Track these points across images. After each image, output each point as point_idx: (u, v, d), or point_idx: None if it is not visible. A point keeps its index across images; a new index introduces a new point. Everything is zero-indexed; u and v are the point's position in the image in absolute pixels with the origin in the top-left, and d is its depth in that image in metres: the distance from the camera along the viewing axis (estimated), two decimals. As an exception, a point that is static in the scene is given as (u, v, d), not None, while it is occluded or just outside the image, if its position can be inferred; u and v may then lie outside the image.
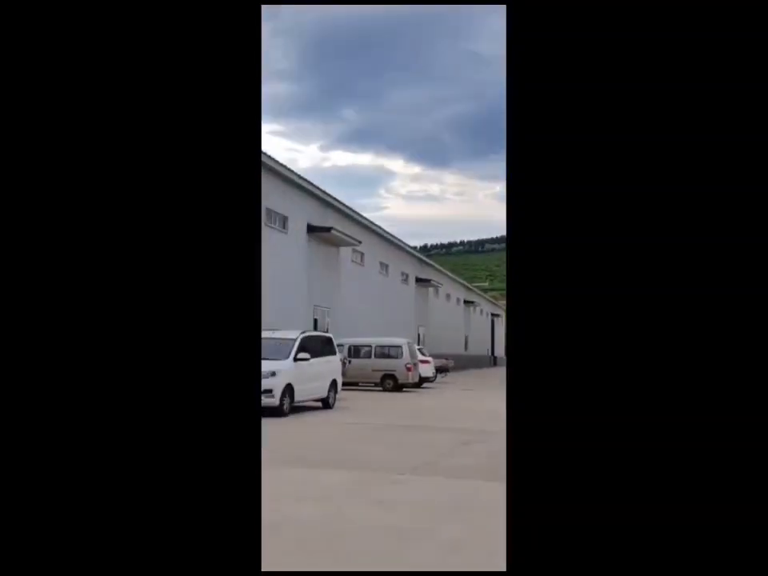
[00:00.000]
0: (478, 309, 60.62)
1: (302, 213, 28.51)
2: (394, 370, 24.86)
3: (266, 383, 15.42)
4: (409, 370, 24.84)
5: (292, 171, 27.41)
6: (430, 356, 29.16)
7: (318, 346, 17.94)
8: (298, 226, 28.15)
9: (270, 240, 25.94)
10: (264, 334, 17.58)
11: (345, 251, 32.42)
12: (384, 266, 38.66)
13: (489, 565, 4.53)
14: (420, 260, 46.88)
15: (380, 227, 36.93)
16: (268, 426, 13.60)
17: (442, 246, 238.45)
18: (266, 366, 15.77)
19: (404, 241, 42.37)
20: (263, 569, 3.99)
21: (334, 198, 30.77)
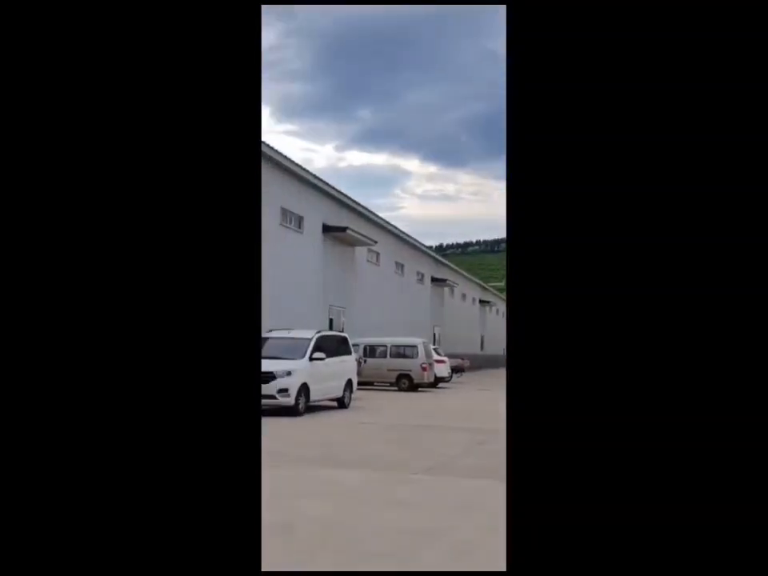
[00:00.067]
0: (493, 308, 60.46)
1: (317, 213, 28.56)
2: (410, 370, 24.85)
3: (281, 383, 15.48)
4: (424, 369, 24.83)
5: (307, 171, 27.46)
6: (445, 356, 29.13)
7: (333, 346, 17.98)
8: (313, 226, 28.20)
9: (286, 240, 26.00)
10: (279, 334, 17.66)
11: (360, 251, 32.45)
12: (399, 266, 38.65)
13: (502, 565, 4.52)
14: (435, 260, 46.83)
15: (395, 227, 36.92)
16: (283, 425, 13.66)
17: (458, 245, 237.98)
18: (282, 365, 15.84)
19: (419, 240, 42.33)
20: (276, 568, 4.00)
21: (350, 198, 30.80)
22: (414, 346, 25.36)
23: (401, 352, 25.07)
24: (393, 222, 37.08)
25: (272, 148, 24.72)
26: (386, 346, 25.48)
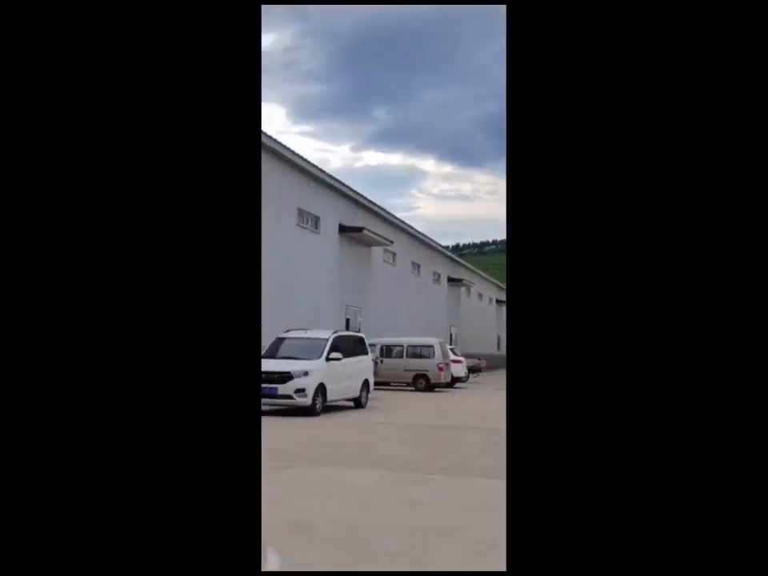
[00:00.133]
0: (511, 308, 60.07)
1: (333, 213, 28.61)
2: (426, 370, 24.84)
3: (298, 383, 15.55)
4: (441, 369, 24.81)
5: (324, 172, 27.52)
6: (462, 356, 29.08)
7: (350, 346, 18.02)
8: (329, 227, 28.26)
9: (302, 240, 26.08)
10: (296, 334, 17.73)
11: (377, 251, 32.48)
12: (416, 266, 38.64)
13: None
14: (452, 259, 46.78)
15: (412, 227, 36.93)
16: (300, 425, 13.70)
17: (474, 245, 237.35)
18: (299, 365, 15.91)
19: (436, 240, 42.30)
20: (294, 567, 4.02)
21: (366, 198, 30.83)
22: (431, 346, 25.34)
23: (417, 352, 25.06)
24: (409, 222, 37.10)
25: (288, 149, 24.79)
26: (402, 346, 25.48)
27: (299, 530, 5.55)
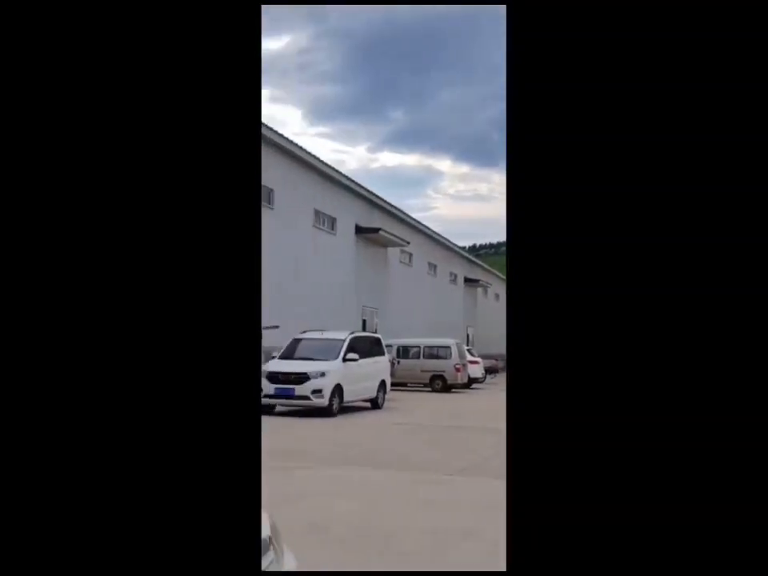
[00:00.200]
0: (529, 308, 59.93)
1: (350, 214, 28.65)
2: (443, 371, 24.80)
3: (315, 383, 15.61)
4: (458, 370, 24.77)
5: (340, 173, 27.57)
6: (479, 356, 29.02)
7: (366, 347, 18.05)
8: (346, 228, 28.29)
9: (319, 241, 26.13)
10: (313, 335, 17.79)
11: (393, 252, 32.50)
12: (432, 267, 38.60)
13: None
14: (469, 260, 46.70)
15: (428, 227, 36.91)
16: (317, 425, 13.73)
17: (491, 245, 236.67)
18: (316, 366, 15.97)
19: (452, 241, 42.24)
20: (311, 567, 4.03)
21: (382, 199, 30.85)
22: (448, 347, 25.30)
23: (434, 353, 25.03)
24: (425, 223, 37.09)
25: (305, 150, 24.85)
26: (419, 346, 25.46)
27: (316, 529, 5.57)
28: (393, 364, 22.34)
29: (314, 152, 25.26)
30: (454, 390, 24.89)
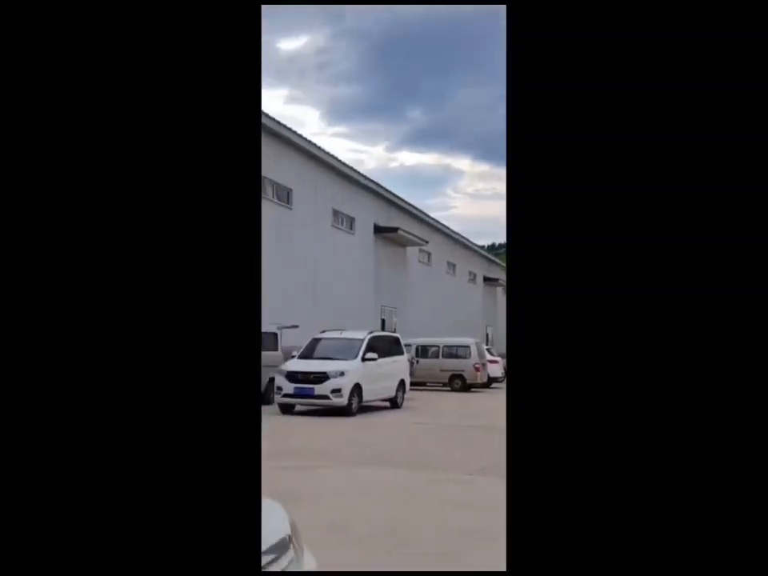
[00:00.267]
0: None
1: (368, 214, 28.66)
2: (462, 370, 24.75)
3: (334, 383, 15.66)
4: (477, 370, 24.72)
5: (358, 173, 27.60)
6: (498, 356, 28.91)
7: (385, 346, 18.08)
8: (364, 227, 28.32)
9: (338, 241, 26.18)
10: (332, 335, 17.84)
11: (412, 251, 32.48)
12: (451, 266, 38.54)
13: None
14: (488, 259, 46.58)
15: (447, 227, 36.86)
16: (337, 425, 13.77)
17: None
18: (335, 365, 16.02)
19: (471, 240, 42.13)
20: (331, 567, 4.05)
21: (401, 199, 30.85)
22: (467, 346, 25.25)
23: (453, 352, 24.97)
24: (444, 222, 37.07)
25: (323, 150, 24.90)
26: (438, 346, 25.42)
27: (336, 529, 5.59)
28: (412, 363, 22.33)
29: (332, 152, 25.32)
30: (473, 389, 24.84)
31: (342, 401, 15.64)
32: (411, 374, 20.33)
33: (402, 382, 18.20)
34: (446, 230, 36.75)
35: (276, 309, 21.97)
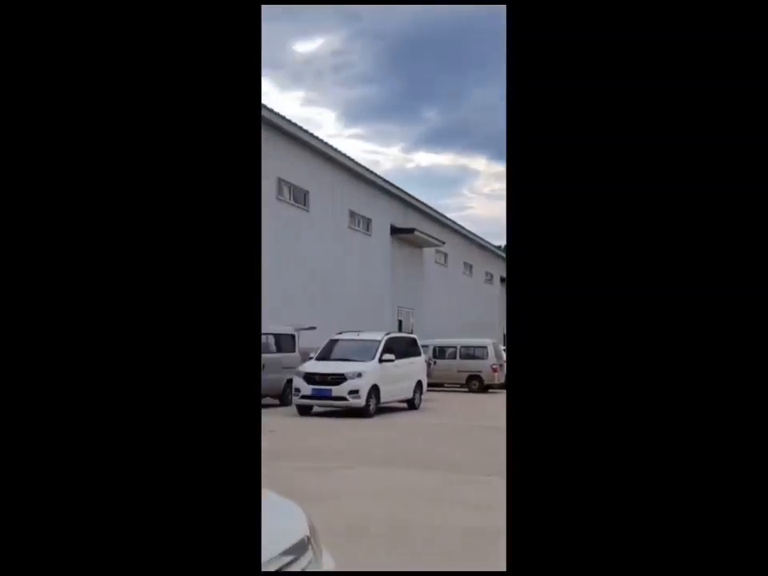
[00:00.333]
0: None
1: (385, 215, 28.68)
2: (480, 371, 24.69)
3: (352, 384, 15.68)
4: (495, 370, 24.64)
5: (374, 174, 27.62)
6: (516, 356, 28.69)
7: (402, 347, 18.07)
8: (381, 228, 28.33)
9: (354, 242, 26.22)
10: (349, 336, 17.87)
11: (428, 252, 32.46)
12: (468, 266, 38.48)
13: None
14: (504, 259, 46.32)
15: (463, 227, 36.82)
16: (354, 426, 13.78)
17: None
18: (352, 367, 16.04)
19: (488, 240, 42.03)
20: (350, 568, 4.06)
21: (417, 199, 30.83)
22: (484, 347, 25.18)
23: (470, 353, 24.92)
24: (461, 222, 37.02)
25: (339, 152, 24.95)
26: (455, 347, 25.37)
27: (355, 530, 5.60)
28: (429, 364, 22.31)
29: (348, 153, 25.36)
30: (491, 390, 24.76)
31: (360, 402, 15.66)
32: (428, 375, 20.32)
33: (419, 383, 18.19)
34: (463, 231, 36.70)
35: (293, 310, 21.99)
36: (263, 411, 16.67)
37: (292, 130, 22.40)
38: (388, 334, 18.04)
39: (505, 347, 30.34)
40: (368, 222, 27.67)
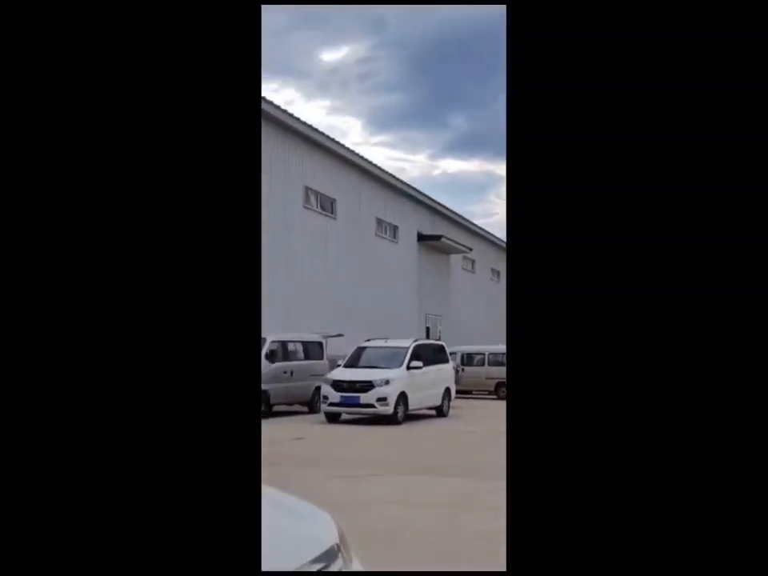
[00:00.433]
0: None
1: (411, 222, 28.69)
2: (509, 378, 24.48)
3: (380, 391, 15.69)
4: (523, 376, 24.42)
5: (401, 181, 27.65)
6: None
7: (430, 354, 18.04)
8: (408, 235, 28.35)
9: (381, 250, 26.25)
10: (377, 343, 17.88)
11: (455, 259, 32.40)
12: (495, 273, 38.35)
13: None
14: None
15: (490, 233, 36.72)
16: (383, 433, 13.78)
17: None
18: (380, 374, 16.05)
19: (517, 246, 41.57)
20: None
21: (444, 206, 30.81)
22: (513, 354, 24.96)
23: (499, 360, 24.77)
24: (488, 229, 36.91)
25: (366, 159, 25.03)
26: (483, 354, 25.26)
27: (386, 536, 5.61)
28: (457, 371, 22.23)
29: (374, 161, 25.43)
30: (520, 396, 24.58)
31: (388, 409, 15.66)
32: (456, 382, 20.25)
33: (447, 390, 18.13)
34: (490, 237, 36.60)
35: (321, 318, 22.06)
36: (292, 419, 16.73)
37: (318, 138, 22.53)
38: (416, 340, 18.03)
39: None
40: (395, 230, 27.70)
